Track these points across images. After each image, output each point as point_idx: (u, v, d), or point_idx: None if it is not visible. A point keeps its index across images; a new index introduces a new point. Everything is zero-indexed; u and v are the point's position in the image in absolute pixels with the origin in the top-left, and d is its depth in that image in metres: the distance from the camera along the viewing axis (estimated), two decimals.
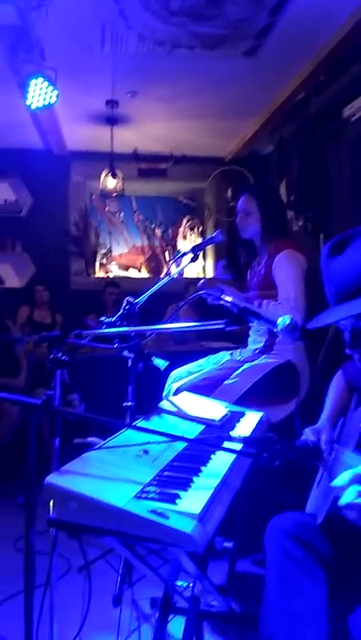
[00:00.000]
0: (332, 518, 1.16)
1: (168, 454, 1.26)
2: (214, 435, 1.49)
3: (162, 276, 2.32)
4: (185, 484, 1.08)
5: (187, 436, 1.38)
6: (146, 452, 1.24)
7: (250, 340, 2.49)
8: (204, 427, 1.57)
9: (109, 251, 5.57)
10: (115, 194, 4.72)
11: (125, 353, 1.89)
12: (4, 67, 3.27)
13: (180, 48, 3.15)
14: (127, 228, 5.61)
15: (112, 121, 4.28)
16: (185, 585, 1.64)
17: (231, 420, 1.69)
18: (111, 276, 5.46)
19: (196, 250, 2.18)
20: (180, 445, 1.33)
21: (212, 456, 1.28)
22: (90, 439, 1.42)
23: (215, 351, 2.58)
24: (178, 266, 2.24)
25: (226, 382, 2.22)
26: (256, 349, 2.40)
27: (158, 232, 5.65)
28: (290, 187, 3.96)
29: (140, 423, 1.50)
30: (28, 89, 3.16)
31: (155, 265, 5.61)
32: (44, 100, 3.22)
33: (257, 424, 1.71)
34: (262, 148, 4.96)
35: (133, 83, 3.67)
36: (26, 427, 1.18)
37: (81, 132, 4.60)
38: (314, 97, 3.68)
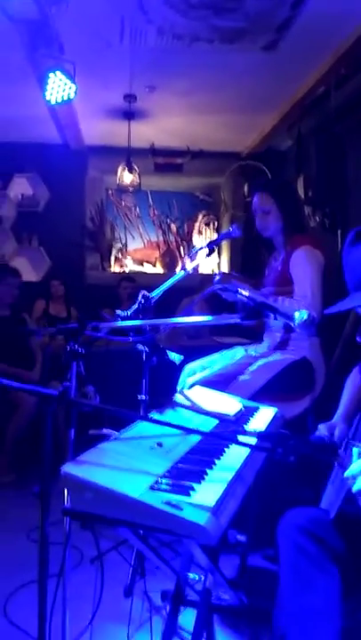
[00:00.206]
0: (344, 512, 1.16)
1: (182, 447, 1.27)
2: (228, 428, 1.49)
3: (177, 271, 2.32)
4: (199, 477, 1.08)
5: (201, 430, 1.38)
6: (160, 444, 1.25)
7: (265, 335, 2.48)
8: (218, 421, 1.57)
9: (125, 245, 5.59)
10: (131, 189, 4.72)
11: (140, 346, 1.90)
12: (23, 61, 3.28)
13: (198, 42, 3.13)
14: (143, 222, 5.62)
15: (129, 115, 4.28)
16: (197, 578, 1.65)
17: (245, 415, 1.69)
18: (126, 270, 5.47)
19: (211, 245, 2.18)
20: (195, 438, 1.34)
21: (226, 450, 1.28)
22: (105, 431, 1.43)
23: (228, 346, 2.57)
24: (193, 261, 2.23)
25: (240, 378, 2.22)
26: (271, 345, 2.39)
27: (174, 227, 5.65)
28: (308, 182, 3.92)
29: (155, 416, 1.50)
30: (47, 83, 3.17)
31: (170, 260, 5.61)
32: (63, 94, 3.23)
33: (271, 420, 1.70)
34: (280, 143, 4.92)
35: (152, 77, 3.66)
36: (41, 417, 1.19)
37: (98, 127, 4.60)
38: (334, 92, 3.63)
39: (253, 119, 4.42)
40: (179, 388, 2.30)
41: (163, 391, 2.03)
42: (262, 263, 2.62)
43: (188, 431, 1.27)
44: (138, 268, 5.56)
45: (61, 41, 3.09)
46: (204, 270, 5.40)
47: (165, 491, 0.99)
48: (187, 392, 1.87)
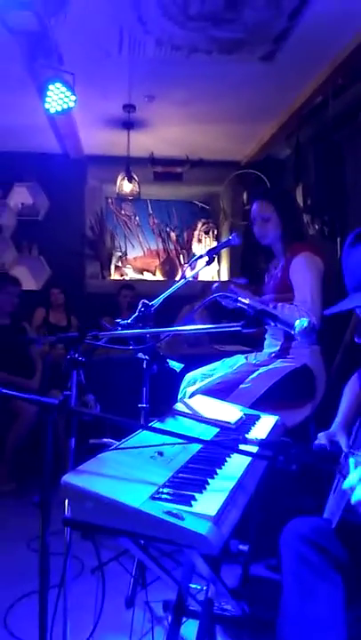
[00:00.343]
0: (345, 521, 1.15)
1: (183, 456, 1.26)
2: (229, 437, 1.48)
3: (177, 280, 2.32)
4: (200, 486, 1.07)
5: (202, 438, 1.37)
6: (161, 453, 1.24)
7: (266, 343, 2.48)
8: (218, 429, 1.57)
9: (125, 254, 5.60)
10: (130, 197, 4.74)
11: (140, 355, 1.90)
12: (22, 72, 3.31)
13: (197, 53, 3.16)
14: (143, 231, 5.64)
15: (129, 125, 4.31)
16: (198, 588, 1.63)
17: (246, 423, 1.68)
18: (126, 279, 5.48)
19: (211, 253, 2.18)
20: (196, 447, 1.33)
21: (228, 458, 1.27)
22: (105, 440, 1.42)
23: (229, 354, 2.57)
24: (193, 269, 2.24)
25: (241, 386, 2.21)
26: (272, 353, 2.39)
27: (173, 235, 5.67)
28: (306, 191, 3.94)
29: (155, 425, 1.50)
30: (46, 93, 3.19)
31: (170, 268, 5.62)
32: (63, 104, 3.26)
33: (272, 428, 1.70)
34: (279, 152, 4.95)
35: (150, 87, 3.69)
36: (41, 426, 1.18)
37: (98, 137, 4.63)
38: (331, 101, 3.66)
39: (252, 128, 4.46)
40: (179, 397, 2.30)
41: (163, 399, 2.03)
42: (262, 271, 2.63)
43: (189, 440, 1.26)
44: (138, 277, 5.57)
45: (60, 52, 3.12)
46: (204, 278, 5.41)
47: (166, 500, 0.99)
48: (187, 400, 1.87)
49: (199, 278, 5.18)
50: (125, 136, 4.40)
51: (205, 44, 3.07)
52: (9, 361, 3.43)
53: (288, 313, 2.16)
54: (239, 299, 1.59)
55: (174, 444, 1.28)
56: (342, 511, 1.17)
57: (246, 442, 1.29)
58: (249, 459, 1.24)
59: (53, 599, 1.37)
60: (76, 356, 1.49)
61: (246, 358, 2.47)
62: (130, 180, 4.61)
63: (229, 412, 1.72)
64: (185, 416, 1.64)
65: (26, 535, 2.42)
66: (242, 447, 1.24)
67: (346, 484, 0.91)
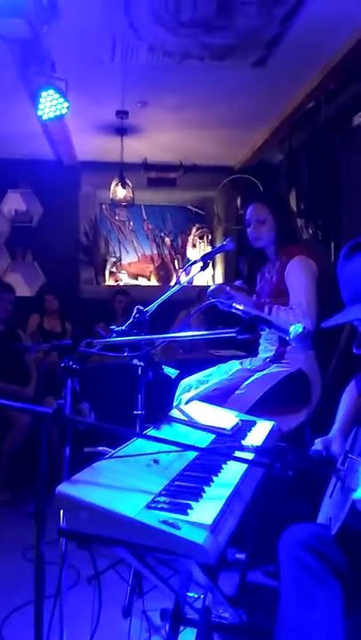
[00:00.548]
0: (347, 529, 1.14)
1: (179, 464, 1.26)
2: (225, 444, 1.48)
3: (171, 285, 2.31)
4: (196, 494, 1.07)
5: (198, 446, 1.37)
6: (156, 461, 1.23)
7: (260, 348, 2.48)
8: (214, 436, 1.56)
9: (119, 259, 5.60)
10: (124, 203, 4.74)
11: (135, 361, 1.89)
12: (15, 79, 3.31)
13: (189, 59, 3.17)
14: (137, 236, 5.64)
15: (122, 131, 4.31)
16: (196, 596, 1.62)
17: (242, 429, 1.68)
18: (121, 284, 5.48)
19: (205, 258, 2.18)
20: (191, 455, 1.32)
21: (224, 465, 1.27)
22: (100, 448, 1.41)
23: (225, 360, 2.57)
24: (187, 274, 2.24)
25: (237, 392, 2.21)
26: (267, 358, 2.38)
27: (168, 241, 5.67)
28: (300, 196, 3.95)
29: (151, 432, 1.49)
30: (39, 100, 3.19)
31: (164, 273, 5.63)
32: (55, 111, 3.26)
33: (268, 433, 1.69)
34: (272, 157, 4.97)
35: (143, 93, 3.70)
36: (36, 435, 1.18)
37: (91, 143, 4.64)
38: (324, 106, 3.68)
39: (245, 134, 4.47)
40: (175, 404, 2.29)
41: (159, 406, 2.02)
42: (255, 275, 2.63)
43: (185, 447, 1.25)
44: (132, 282, 5.57)
45: (53, 59, 3.13)
46: (198, 283, 5.41)
47: (162, 509, 0.98)
48: (183, 407, 1.86)
49: (194, 283, 5.18)
50: (119, 142, 4.41)
51: (198, 51, 3.08)
52: (3, 368, 3.41)
53: (283, 316, 2.16)
54: (233, 304, 1.59)
55: (170, 451, 1.27)
56: (345, 517, 1.16)
57: (242, 449, 1.28)
58: (245, 465, 1.24)
59: (50, 609, 1.36)
60: (70, 363, 1.48)
61: (241, 364, 2.46)
62: (124, 185, 4.61)
63: (225, 419, 1.71)
64: (181, 423, 1.63)
65: (21, 545, 2.40)
66: (238, 454, 1.23)
67: (357, 495, 0.91)
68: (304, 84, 3.49)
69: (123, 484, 1.07)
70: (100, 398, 2.18)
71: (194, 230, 5.66)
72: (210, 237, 5.66)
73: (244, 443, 1.52)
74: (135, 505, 0.97)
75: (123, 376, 2.16)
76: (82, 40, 2.97)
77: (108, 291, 5.16)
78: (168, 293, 2.01)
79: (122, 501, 0.98)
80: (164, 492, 1.07)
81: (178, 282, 2.12)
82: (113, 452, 1.28)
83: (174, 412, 1.74)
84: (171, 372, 1.96)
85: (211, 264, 5.51)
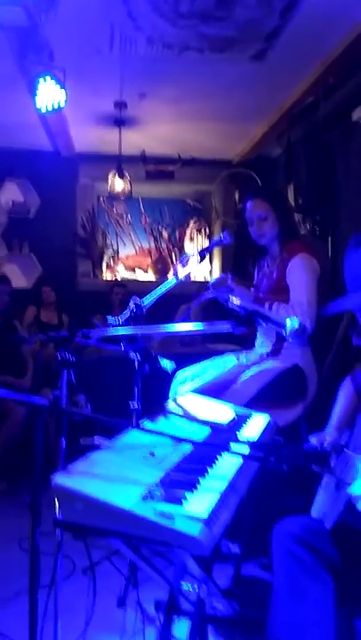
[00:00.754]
0: (342, 524, 1.15)
1: (174, 456, 1.26)
2: (221, 437, 1.48)
3: (169, 278, 2.30)
4: (192, 486, 1.07)
5: (193, 438, 1.37)
6: (152, 453, 1.24)
7: (257, 343, 2.48)
8: (210, 429, 1.56)
9: (116, 252, 5.58)
10: (122, 196, 4.72)
11: (132, 354, 1.89)
12: (12, 68, 3.28)
13: (188, 51, 3.15)
14: (134, 229, 5.62)
15: (120, 123, 4.28)
16: (190, 588, 1.63)
17: (238, 422, 1.68)
18: (118, 277, 5.47)
19: (202, 252, 2.18)
20: (187, 447, 1.33)
21: (219, 458, 1.27)
22: (96, 440, 1.42)
23: (221, 353, 2.57)
24: (184, 268, 2.23)
25: (233, 386, 2.21)
26: (263, 353, 2.39)
27: (165, 234, 5.65)
28: (298, 190, 3.94)
29: (147, 424, 1.49)
30: (37, 90, 3.17)
31: (161, 267, 5.62)
32: (53, 101, 3.23)
33: (264, 427, 1.70)
34: (270, 151, 4.95)
35: (142, 84, 3.67)
36: (32, 427, 1.18)
37: (89, 134, 4.61)
38: (322, 100, 3.67)
39: (243, 127, 4.45)
40: (171, 397, 2.30)
41: (155, 399, 2.02)
42: (253, 269, 2.63)
43: (181, 440, 1.26)
44: (130, 275, 5.56)
45: (51, 48, 3.10)
46: (196, 277, 5.41)
47: (158, 501, 0.98)
48: (179, 400, 1.86)
49: (191, 277, 5.18)
50: (117, 134, 4.38)
51: (197, 42, 3.06)
52: (0, 360, 3.41)
53: (283, 314, 2.16)
54: (230, 298, 1.59)
55: (166, 443, 1.28)
56: (341, 513, 1.17)
57: (238, 441, 1.29)
58: (241, 459, 1.24)
59: (45, 599, 1.37)
60: (67, 355, 1.48)
61: (238, 358, 2.47)
62: (121, 178, 4.59)
63: (221, 412, 1.72)
64: (177, 415, 1.64)
65: (17, 535, 2.40)
66: (233, 447, 1.24)
67: (354, 490, 0.91)
68: (303, 79, 3.47)
69: (118, 475, 1.07)
70: (97, 390, 2.19)
71: (192, 224, 5.65)
72: (207, 231, 5.65)
73: (239, 436, 1.53)
74: (130, 496, 0.98)
75: (119, 368, 2.17)
76: (80, 30, 2.94)
77: (106, 284, 5.15)
78: (164, 286, 2.01)
79: (117, 493, 0.98)
80: (159, 484, 1.07)
81: (175, 275, 2.12)
82: (109, 443, 1.28)
83: (170, 405, 1.75)
84: (167, 364, 1.96)
85: (208, 258, 5.51)
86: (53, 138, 4.62)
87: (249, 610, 1.71)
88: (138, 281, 5.47)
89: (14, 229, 5.11)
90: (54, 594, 1.47)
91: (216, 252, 5.55)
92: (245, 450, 1.20)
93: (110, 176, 4.61)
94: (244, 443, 1.24)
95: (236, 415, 1.73)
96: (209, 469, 1.19)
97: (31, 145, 4.81)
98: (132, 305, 1.94)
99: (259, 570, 2.08)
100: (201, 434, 1.52)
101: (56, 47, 3.09)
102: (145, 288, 2.37)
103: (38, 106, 3.22)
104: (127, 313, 1.92)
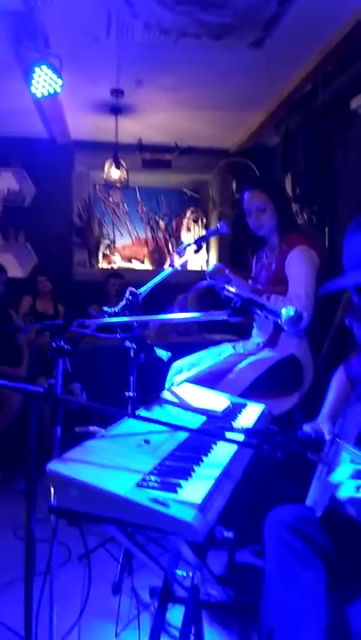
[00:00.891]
0: (331, 512, 1.16)
1: (169, 444, 1.26)
2: (216, 425, 1.49)
3: (165, 268, 2.30)
4: (186, 474, 1.08)
5: (189, 427, 1.38)
6: (147, 441, 1.24)
7: (254, 332, 2.48)
8: (205, 418, 1.57)
9: (113, 242, 5.56)
10: (119, 185, 4.69)
11: (128, 343, 1.89)
12: (8, 54, 3.24)
13: (186, 37, 3.11)
14: (131, 219, 5.59)
15: (117, 110, 4.25)
16: (184, 574, 1.65)
17: (233, 411, 1.69)
18: (114, 267, 5.45)
19: (199, 241, 2.17)
20: (182, 435, 1.33)
21: (214, 446, 1.28)
22: (91, 428, 1.42)
23: (217, 343, 2.57)
24: (181, 257, 2.23)
25: (229, 376, 2.22)
26: (260, 343, 2.39)
27: (162, 224, 5.63)
28: (295, 180, 3.93)
29: (142, 413, 1.50)
30: (32, 77, 3.13)
31: (158, 257, 5.60)
32: (49, 88, 3.19)
33: (259, 416, 1.71)
34: (268, 140, 4.92)
35: (139, 72, 3.64)
36: (27, 414, 1.18)
37: (85, 122, 4.57)
38: (321, 89, 3.64)
39: (241, 116, 4.42)
40: (167, 386, 2.30)
41: (151, 388, 2.02)
42: (251, 260, 2.62)
43: (176, 428, 1.26)
44: (126, 265, 5.54)
45: (47, 34, 3.06)
46: (192, 267, 5.40)
47: (152, 488, 0.99)
48: (175, 389, 1.87)
49: (188, 267, 5.17)
50: (113, 121, 4.34)
51: (194, 29, 3.03)
52: None
53: (281, 305, 2.16)
54: (226, 286, 1.58)
55: (161, 431, 1.28)
56: (329, 500, 1.18)
57: (233, 430, 1.29)
58: (235, 446, 1.25)
59: (40, 586, 1.38)
60: (62, 344, 1.47)
61: (234, 347, 2.47)
62: (118, 166, 4.55)
63: (216, 401, 1.72)
64: (172, 404, 1.64)
65: (12, 522, 2.42)
66: (228, 435, 1.24)
67: (334, 478, 0.92)
68: (302, 67, 3.45)
69: (113, 463, 1.08)
70: (93, 379, 2.19)
71: (188, 213, 5.62)
72: (205, 221, 5.62)
73: (234, 425, 1.53)
74: (125, 483, 0.98)
75: (115, 358, 2.17)
76: (77, 15, 2.90)
77: (102, 273, 5.13)
78: (161, 276, 2.00)
79: (112, 479, 0.99)
80: (154, 471, 1.08)
81: (172, 265, 2.11)
82: (104, 431, 1.28)
83: (166, 394, 1.75)
84: (163, 354, 1.96)
85: (205, 248, 5.49)
86: (49, 125, 4.58)
87: (243, 596, 1.73)
88: (134, 271, 5.45)
89: (9, 218, 5.07)
90: (50, 581, 1.48)
91: (213, 242, 5.54)
92: (240, 437, 1.20)
93: (107, 164, 4.58)
94: (238, 431, 1.25)
95: (232, 404, 1.73)
96: (204, 457, 1.20)
97: (26, 133, 4.77)
98: (127, 294, 1.94)
99: (253, 557, 2.10)
100: (196, 423, 1.52)
101: (52, 33, 3.05)
102: (141, 278, 2.36)
103: (33, 91, 3.19)
104: (123, 302, 1.92)
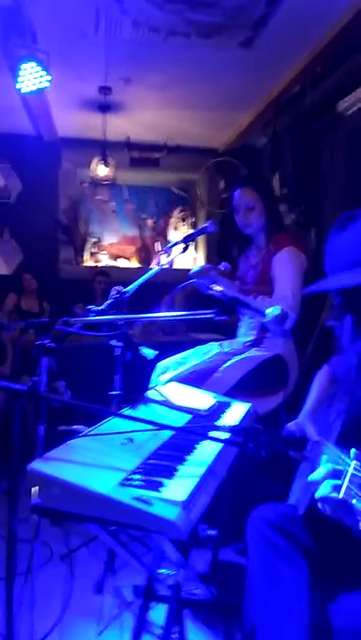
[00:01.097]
0: (312, 510, 1.17)
1: (154, 443, 1.26)
2: (201, 424, 1.49)
3: (152, 267, 2.29)
4: (170, 472, 1.07)
5: (173, 425, 1.37)
6: (131, 440, 1.24)
7: (240, 332, 2.49)
8: (190, 416, 1.57)
9: (99, 240, 5.53)
10: (106, 182, 4.67)
11: (113, 342, 1.88)
12: None
13: (175, 36, 3.11)
14: (118, 217, 5.57)
15: (104, 108, 4.22)
16: (168, 573, 1.64)
17: (218, 410, 1.69)
18: (101, 265, 5.42)
19: (187, 240, 2.16)
20: (167, 434, 1.33)
21: (198, 445, 1.28)
22: (75, 427, 1.41)
23: (204, 342, 2.57)
24: (168, 256, 2.22)
25: (215, 375, 2.22)
26: (246, 342, 2.39)
27: (150, 222, 5.62)
28: (283, 180, 3.94)
29: (127, 412, 1.49)
30: (19, 73, 3.10)
31: (145, 255, 5.59)
32: (37, 84, 3.16)
33: (244, 415, 1.71)
34: (256, 140, 4.94)
35: (127, 69, 3.62)
36: (10, 413, 1.16)
37: (72, 119, 4.54)
38: (309, 90, 3.66)
39: (229, 115, 4.43)
40: (152, 385, 2.29)
41: (136, 387, 2.02)
42: (238, 260, 2.62)
43: (160, 427, 1.26)
44: (113, 263, 5.52)
45: (34, 30, 3.03)
46: (179, 266, 5.39)
47: (135, 486, 0.98)
48: (160, 388, 1.86)
49: (175, 266, 5.16)
50: (101, 119, 4.32)
51: (184, 28, 3.02)
52: None
53: (267, 306, 2.16)
54: (212, 286, 1.58)
55: (145, 430, 1.28)
56: (311, 498, 1.19)
57: (217, 428, 1.29)
58: (220, 445, 1.25)
59: (22, 586, 1.37)
60: (46, 342, 1.46)
61: (220, 346, 2.47)
62: (105, 164, 4.53)
63: (202, 399, 1.72)
64: (157, 403, 1.63)
65: None
66: (213, 434, 1.24)
67: (311, 477, 0.92)
68: (290, 68, 3.46)
69: (96, 462, 1.07)
70: (78, 378, 2.17)
71: (176, 212, 5.62)
72: (192, 220, 5.63)
73: (219, 423, 1.54)
74: (108, 482, 0.97)
75: (101, 356, 2.15)
76: (65, 11, 2.88)
77: (88, 271, 5.10)
78: (147, 275, 2.00)
79: (95, 478, 0.98)
80: (137, 470, 1.07)
81: (158, 264, 2.10)
82: (88, 430, 1.27)
83: (151, 393, 1.74)
84: (149, 353, 1.95)
85: (193, 247, 5.50)
86: (36, 122, 4.54)
87: (226, 594, 1.73)
88: (121, 269, 5.43)
89: None
90: (31, 580, 1.46)
91: (201, 241, 5.54)
92: (225, 436, 1.20)
93: (94, 162, 4.55)
94: (223, 429, 1.25)
95: (217, 403, 1.73)
96: (188, 456, 1.19)
97: (13, 129, 4.72)
98: (114, 292, 1.93)
99: (236, 555, 2.10)
100: (181, 421, 1.52)
101: (40, 29, 3.02)
102: (128, 276, 2.35)
103: (19, 87, 3.15)
104: (109, 300, 1.90)
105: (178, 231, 5.59)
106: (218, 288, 1.56)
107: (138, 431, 1.26)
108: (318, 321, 3.14)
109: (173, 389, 1.86)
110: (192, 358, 2.39)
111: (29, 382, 1.26)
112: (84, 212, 5.41)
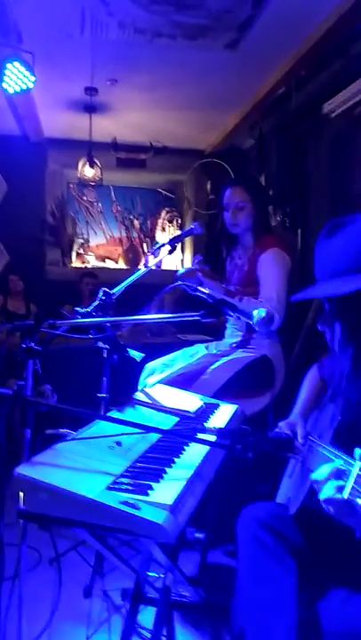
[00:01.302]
0: (305, 509, 1.17)
1: (141, 446, 1.26)
2: (189, 426, 1.49)
3: (140, 268, 2.28)
4: (158, 476, 1.07)
5: (160, 428, 1.37)
6: (119, 443, 1.23)
7: (227, 333, 2.49)
8: (178, 418, 1.57)
9: (87, 241, 5.51)
10: (92, 183, 4.65)
11: (100, 344, 1.87)
12: None
13: (161, 37, 3.11)
14: (105, 218, 5.55)
15: (91, 109, 4.21)
16: (156, 576, 1.64)
17: (206, 412, 1.69)
18: (88, 266, 5.40)
19: (174, 241, 2.17)
20: (154, 437, 1.33)
21: (186, 447, 1.28)
22: (62, 430, 1.40)
23: (191, 344, 2.58)
24: (155, 257, 2.22)
25: (202, 377, 2.22)
26: (233, 343, 2.40)
27: (137, 223, 5.61)
28: (268, 182, 3.96)
29: (114, 414, 1.48)
30: (4, 73, 3.07)
31: (133, 256, 5.58)
32: (21, 84, 3.14)
33: (232, 416, 1.71)
34: (242, 141, 4.96)
35: (113, 70, 3.61)
36: None
37: (58, 119, 4.51)
38: (294, 92, 3.68)
39: (215, 117, 4.44)
40: (139, 388, 2.29)
41: (123, 389, 2.01)
42: (224, 261, 2.63)
43: (148, 429, 1.26)
44: (100, 264, 5.50)
45: (19, 30, 3.01)
46: (167, 267, 5.39)
47: (123, 490, 0.98)
48: (147, 390, 1.86)
49: (162, 267, 5.16)
50: (87, 120, 4.31)
51: (169, 29, 3.02)
52: None
53: (253, 307, 2.17)
54: (199, 287, 1.58)
55: (132, 433, 1.27)
56: (304, 498, 1.19)
57: (205, 431, 1.29)
58: (207, 447, 1.25)
59: (9, 591, 1.35)
60: (32, 344, 1.45)
61: (207, 348, 2.48)
62: (92, 165, 4.52)
63: (189, 402, 1.72)
64: (144, 405, 1.63)
65: None
66: (200, 436, 1.24)
67: (315, 475, 0.92)
68: (275, 70, 3.48)
69: (84, 466, 1.06)
70: (65, 381, 2.16)
71: (163, 214, 5.62)
72: (179, 221, 5.63)
73: (206, 425, 1.54)
74: (96, 486, 0.97)
75: (88, 359, 2.14)
76: (50, 11, 2.87)
77: (75, 272, 5.08)
78: (135, 276, 1.99)
79: (82, 483, 0.97)
80: (125, 474, 1.07)
81: (146, 265, 2.10)
82: (75, 434, 1.27)
83: (138, 395, 1.74)
84: (136, 355, 1.95)
85: (180, 248, 5.50)
86: (22, 122, 4.51)
87: (215, 596, 1.73)
88: (108, 270, 5.41)
89: None
90: (18, 585, 1.45)
91: (188, 242, 5.55)
92: (212, 438, 1.20)
93: (80, 163, 4.53)
94: (210, 431, 1.25)
95: (205, 405, 1.74)
96: (176, 459, 1.19)
97: None
98: (101, 294, 1.92)
99: (225, 557, 2.11)
100: (169, 424, 1.52)
101: (25, 29, 3.00)
102: (115, 277, 2.34)
103: (5, 87, 3.13)
104: (97, 302, 1.90)
105: (165, 232, 5.59)
106: (205, 290, 1.56)
107: (125, 434, 1.25)
108: (305, 321, 3.17)
109: (161, 392, 1.86)
110: (179, 360, 2.40)
111: (15, 386, 1.25)
112: (70, 212, 5.39)
